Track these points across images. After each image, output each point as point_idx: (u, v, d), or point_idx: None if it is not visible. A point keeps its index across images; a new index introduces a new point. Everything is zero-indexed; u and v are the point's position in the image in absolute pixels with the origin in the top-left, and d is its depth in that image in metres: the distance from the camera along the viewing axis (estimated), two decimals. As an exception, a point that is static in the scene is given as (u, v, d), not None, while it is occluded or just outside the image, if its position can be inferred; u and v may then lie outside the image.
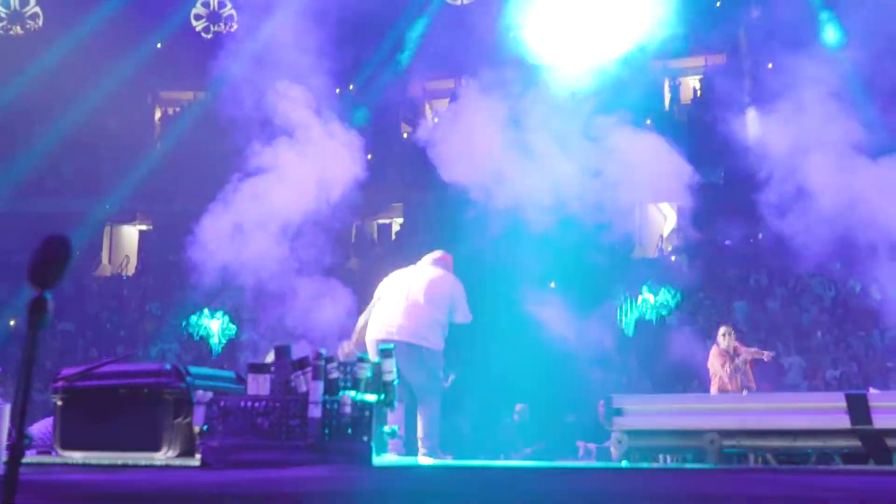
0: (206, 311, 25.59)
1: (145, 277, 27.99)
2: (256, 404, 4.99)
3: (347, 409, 4.88)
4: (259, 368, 5.10)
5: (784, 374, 21.34)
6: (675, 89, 32.21)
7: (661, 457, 7.43)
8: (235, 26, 28.69)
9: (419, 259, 10.20)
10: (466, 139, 17.12)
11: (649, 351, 23.03)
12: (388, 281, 9.67)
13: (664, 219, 31.76)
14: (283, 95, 14.07)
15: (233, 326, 24.91)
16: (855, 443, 6.24)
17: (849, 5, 23.29)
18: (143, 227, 30.10)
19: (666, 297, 25.29)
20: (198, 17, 30.06)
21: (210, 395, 5.12)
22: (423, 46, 26.99)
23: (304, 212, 14.57)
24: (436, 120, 27.64)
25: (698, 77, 31.84)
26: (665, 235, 30.77)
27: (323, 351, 5.13)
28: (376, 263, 28.03)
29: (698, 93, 31.57)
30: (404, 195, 27.96)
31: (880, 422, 6.08)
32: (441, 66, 27.60)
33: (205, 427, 5.02)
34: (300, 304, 14.17)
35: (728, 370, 12.63)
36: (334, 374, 5.03)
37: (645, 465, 6.58)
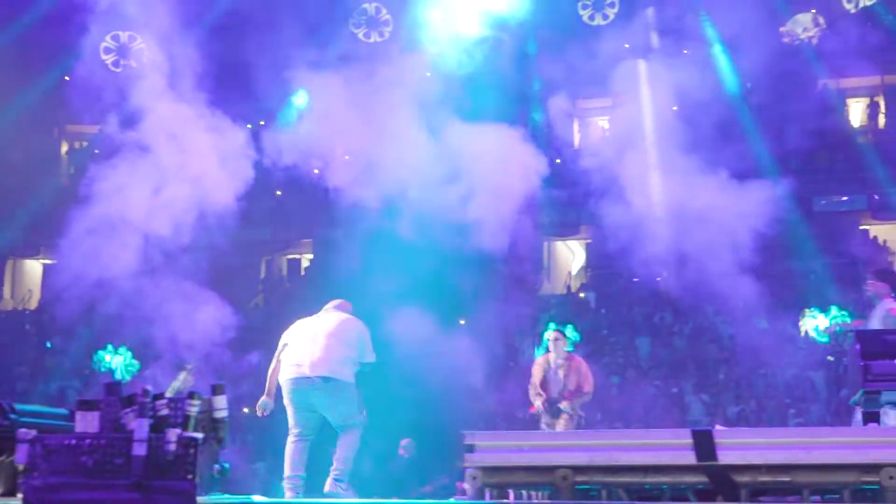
0: (109, 346, 25.19)
1: (47, 312, 27.50)
2: (82, 442, 4.89)
3: (172, 447, 4.81)
4: (88, 405, 5.00)
5: (687, 410, 21.59)
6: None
7: (524, 493, 7.42)
8: (145, 60, 28.31)
9: (327, 297, 10.41)
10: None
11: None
12: (295, 328, 9.89)
13: (573, 255, 31.98)
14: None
15: (136, 362, 24.55)
16: (703, 479, 6.27)
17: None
18: (47, 261, 29.62)
19: (571, 333, 25.41)
20: (107, 51, 29.75)
21: (34, 432, 5.01)
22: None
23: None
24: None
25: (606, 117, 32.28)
26: (573, 272, 30.99)
27: (149, 388, 5.06)
28: (286, 299, 27.89)
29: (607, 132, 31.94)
30: (313, 230, 27.85)
31: (725, 458, 6.12)
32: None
33: (26, 466, 4.90)
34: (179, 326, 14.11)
35: (538, 379, 12.91)
36: (163, 411, 4.96)
37: (496, 502, 6.57)
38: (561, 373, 12.93)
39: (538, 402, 12.90)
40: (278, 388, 9.72)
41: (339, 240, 26.01)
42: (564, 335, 13.55)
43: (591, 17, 31.96)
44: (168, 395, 5.10)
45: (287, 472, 9.28)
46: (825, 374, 21.60)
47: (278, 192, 27.35)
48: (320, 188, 26.45)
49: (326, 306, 10.15)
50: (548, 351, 13.39)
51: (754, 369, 23.06)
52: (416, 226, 23.69)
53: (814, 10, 32.04)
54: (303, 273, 29.35)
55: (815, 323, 24.41)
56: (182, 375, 10.56)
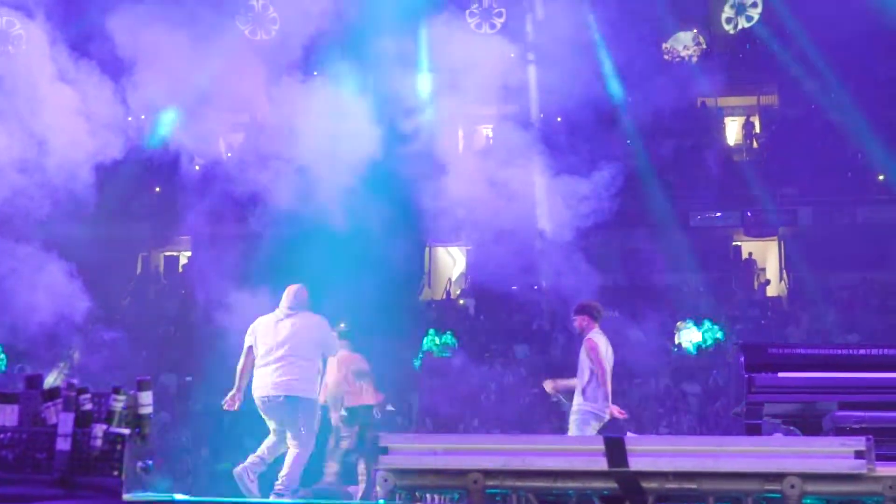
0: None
1: None
2: (1, 436, 4.78)
3: (98, 443, 4.74)
4: (6, 398, 4.90)
5: (564, 418, 21.88)
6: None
7: (429, 496, 7.46)
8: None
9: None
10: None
11: (433, 391, 23.28)
12: (257, 332, 10.46)
13: (453, 262, 32.17)
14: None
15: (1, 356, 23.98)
16: (612, 484, 6.42)
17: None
18: None
19: (448, 339, 25.61)
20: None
21: (-50, 425, 4.87)
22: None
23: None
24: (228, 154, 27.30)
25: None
26: (454, 279, 31.17)
27: (74, 381, 4.97)
28: (160, 296, 27.46)
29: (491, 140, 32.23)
30: (192, 227, 27.44)
31: (636, 464, 6.27)
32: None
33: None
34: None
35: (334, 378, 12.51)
36: (87, 406, 4.88)
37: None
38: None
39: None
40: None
41: (220, 237, 25.75)
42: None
43: (479, 26, 32.24)
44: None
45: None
46: (700, 387, 22.16)
47: (157, 189, 26.93)
48: (202, 183, 26.19)
49: (283, 300, 10.52)
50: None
51: (628, 379, 23.49)
52: (300, 225, 23.61)
53: (695, 30, 32.88)
54: (180, 270, 28.94)
55: (688, 335, 25.03)
56: (56, 373, 10.61)
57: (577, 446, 6.57)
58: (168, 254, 29.79)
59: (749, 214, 30.06)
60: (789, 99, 31.28)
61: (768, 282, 29.44)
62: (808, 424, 8.87)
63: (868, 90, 28.30)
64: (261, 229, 23.42)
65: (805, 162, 29.30)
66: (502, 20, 32.23)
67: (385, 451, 6.47)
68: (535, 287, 28.52)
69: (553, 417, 21.65)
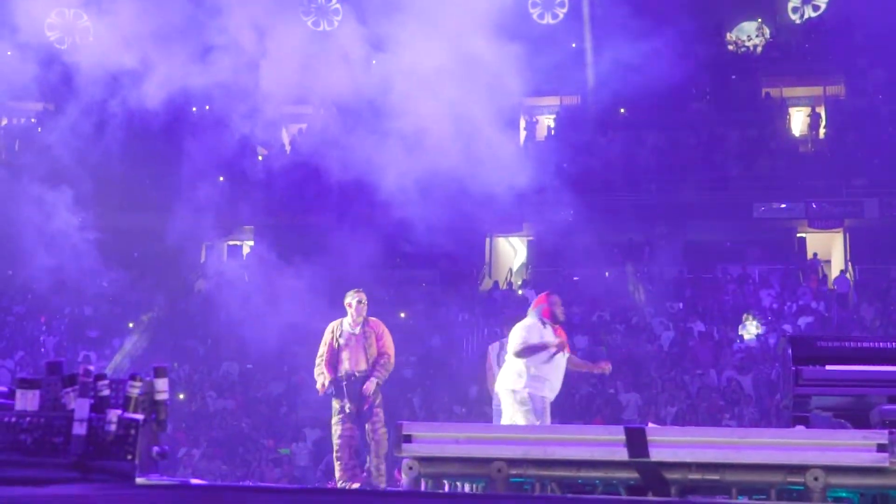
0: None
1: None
2: (21, 420, 4.90)
3: (113, 428, 4.84)
4: (29, 384, 5.02)
5: (622, 410, 21.81)
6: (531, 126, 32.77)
7: (457, 485, 7.50)
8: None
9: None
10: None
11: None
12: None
13: (514, 252, 32.18)
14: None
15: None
16: (634, 475, 6.40)
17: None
18: None
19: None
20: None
21: (-28, 410, 5.01)
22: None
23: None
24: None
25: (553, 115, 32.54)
26: (514, 269, 31.18)
27: (92, 368, 5.07)
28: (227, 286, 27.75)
29: (552, 130, 32.21)
30: (255, 218, 27.78)
31: (657, 455, 6.25)
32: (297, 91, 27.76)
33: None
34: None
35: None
36: (104, 392, 4.98)
37: (436, 491, 6.65)
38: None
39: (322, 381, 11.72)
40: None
41: (282, 228, 26.02)
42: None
43: (541, 16, 32.18)
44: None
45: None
46: (757, 378, 21.93)
47: (221, 178, 27.22)
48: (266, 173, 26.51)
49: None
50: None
51: (689, 370, 23.35)
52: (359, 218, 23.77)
53: (759, 20, 32.52)
54: (244, 259, 29.28)
55: (752, 328, 24.77)
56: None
57: (597, 436, 6.56)
58: (232, 243, 30.19)
59: (814, 206, 29.68)
60: (856, 89, 30.82)
61: (838, 274, 29.06)
62: (857, 418, 8.76)
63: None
64: (321, 219, 23.66)
65: (871, 153, 28.88)
66: (565, 10, 32.19)
67: (408, 438, 6.52)
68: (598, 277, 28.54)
69: (608, 409, 21.62)
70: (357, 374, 11.40)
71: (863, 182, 29.62)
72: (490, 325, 25.83)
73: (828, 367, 8.70)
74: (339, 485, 11.18)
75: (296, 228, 26.72)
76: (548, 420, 10.54)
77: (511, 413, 10.48)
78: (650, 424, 8.60)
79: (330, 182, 21.74)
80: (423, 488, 6.69)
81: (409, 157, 18.61)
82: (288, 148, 29.83)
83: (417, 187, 21.93)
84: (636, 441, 6.25)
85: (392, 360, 11.64)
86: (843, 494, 6.90)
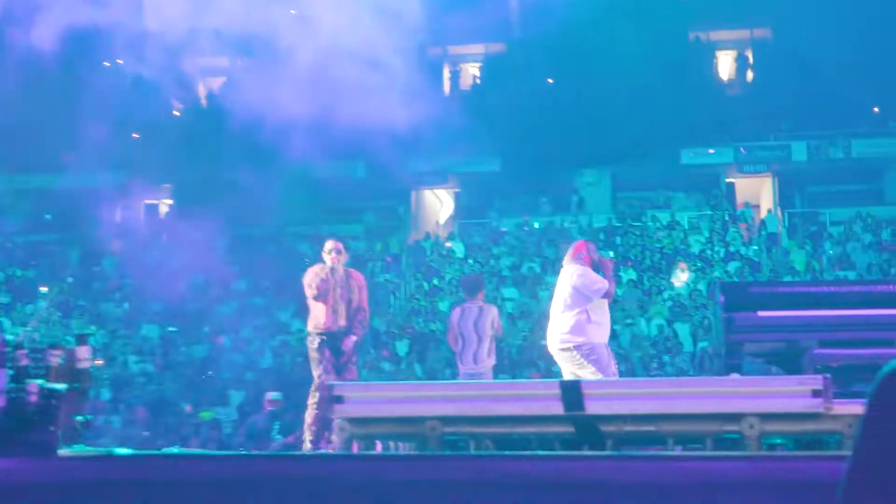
0: None
1: None
2: (-59, 394, 4.82)
3: (33, 398, 4.78)
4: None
5: (554, 363, 22.01)
6: (455, 75, 32.69)
7: (391, 444, 7.54)
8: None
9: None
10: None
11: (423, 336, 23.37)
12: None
13: (440, 205, 32.20)
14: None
15: None
16: (570, 429, 6.47)
17: None
18: None
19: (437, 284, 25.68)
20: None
21: None
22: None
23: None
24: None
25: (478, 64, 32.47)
26: (441, 222, 31.21)
27: (10, 337, 4.99)
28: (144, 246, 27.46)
29: (477, 79, 32.15)
30: (172, 175, 27.46)
31: (592, 408, 6.32)
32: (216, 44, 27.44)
33: None
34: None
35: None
36: (23, 362, 4.91)
37: (368, 452, 6.67)
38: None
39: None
40: None
41: (199, 186, 25.76)
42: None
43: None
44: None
45: None
46: (690, 327, 22.21)
47: (135, 135, 26.87)
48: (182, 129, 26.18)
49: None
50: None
51: (619, 320, 23.57)
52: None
53: (686, -38, 32.65)
54: (161, 218, 28.99)
55: (681, 276, 25.05)
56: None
57: (532, 391, 6.63)
58: (148, 202, 29.84)
59: (742, 151, 30.05)
60: (783, 32, 31.11)
61: (762, 220, 29.49)
62: (789, 363, 8.91)
63: (862, 21, 28.17)
64: (240, 176, 23.46)
65: (799, 96, 29.24)
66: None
67: (340, 399, 6.52)
68: (525, 228, 28.69)
69: (540, 362, 21.80)
70: (336, 330, 10.82)
71: (791, 125, 30.04)
72: (417, 279, 25.89)
73: (759, 314, 8.83)
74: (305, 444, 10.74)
75: (213, 185, 26.44)
76: (615, 369, 10.19)
77: (574, 371, 9.98)
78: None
79: (247, 137, 21.51)
80: (355, 449, 6.70)
81: (329, 110, 18.46)
82: (204, 102, 29.47)
83: (338, 140, 21.81)
84: (572, 395, 6.32)
85: (368, 316, 11.28)
86: (779, 441, 7.05)
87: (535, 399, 6.47)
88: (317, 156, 20.97)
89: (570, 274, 10.16)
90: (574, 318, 9.95)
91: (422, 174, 29.36)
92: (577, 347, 9.93)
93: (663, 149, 28.95)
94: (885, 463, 2.43)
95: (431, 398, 6.62)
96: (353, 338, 10.88)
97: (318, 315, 10.83)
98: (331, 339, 10.74)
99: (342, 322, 10.83)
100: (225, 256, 21.15)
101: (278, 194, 22.86)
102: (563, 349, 10.02)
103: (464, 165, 29.71)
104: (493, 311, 12.53)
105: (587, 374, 9.75)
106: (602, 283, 10.02)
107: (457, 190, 31.68)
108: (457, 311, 12.59)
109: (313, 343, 10.79)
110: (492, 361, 12.57)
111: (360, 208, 28.46)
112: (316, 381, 10.56)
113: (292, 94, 17.02)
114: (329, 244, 11.05)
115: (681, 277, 24.89)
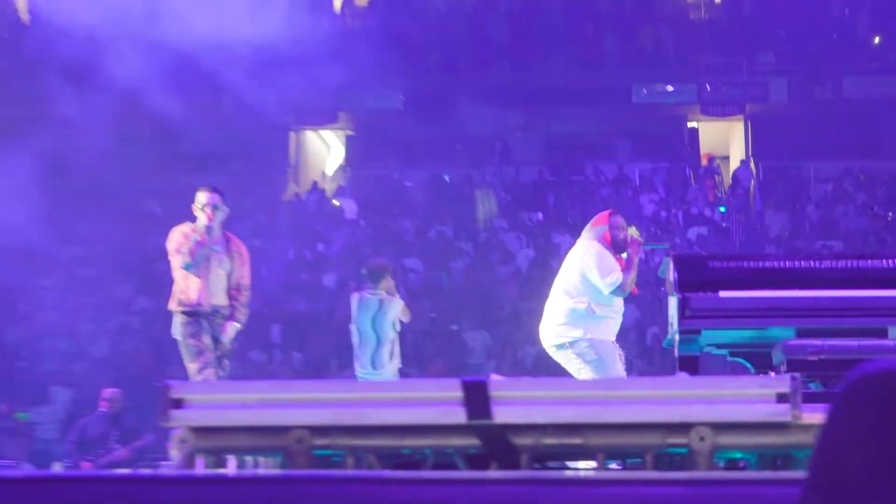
0: None
1: None
2: None
3: None
4: None
5: (468, 352, 22.03)
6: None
7: (247, 460, 7.44)
8: None
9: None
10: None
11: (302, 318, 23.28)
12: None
13: (327, 150, 32.08)
14: None
15: None
16: (475, 441, 6.42)
17: None
18: None
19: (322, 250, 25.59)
20: None
21: None
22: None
23: None
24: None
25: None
26: (328, 172, 31.09)
27: None
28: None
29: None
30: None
31: (502, 415, 6.26)
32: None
33: None
34: None
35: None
36: None
37: (212, 471, 6.56)
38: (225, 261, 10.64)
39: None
40: None
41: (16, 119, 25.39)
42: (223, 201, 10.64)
43: None
44: None
45: None
46: (640, 308, 22.38)
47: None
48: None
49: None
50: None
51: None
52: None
53: None
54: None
55: (628, 243, 25.20)
56: None
57: (427, 394, 6.55)
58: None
59: (708, 88, 30.28)
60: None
61: (731, 175, 29.78)
62: (759, 357, 8.96)
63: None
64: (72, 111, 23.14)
65: (778, 22, 29.50)
66: None
67: (179, 404, 6.40)
68: (436, 183, 28.66)
69: (453, 352, 21.84)
70: (210, 310, 10.46)
71: (768, 58, 30.31)
72: (297, 245, 25.74)
73: (722, 294, 8.84)
74: None
75: (31, 120, 26.00)
76: (622, 370, 10.17)
77: (575, 372, 10.04)
78: (493, 376, 8.59)
79: (75, 62, 21.17)
80: (200, 468, 6.60)
81: (189, 31, 18.26)
82: (26, 18, 29.03)
83: (195, 66, 21.55)
84: (476, 398, 6.25)
85: (248, 296, 10.81)
86: (739, 455, 7.07)
87: (430, 403, 6.39)
88: (166, 86, 20.71)
89: (581, 253, 10.10)
90: (572, 308, 9.97)
91: (304, 111, 29.16)
92: (573, 344, 9.94)
93: (609, 85, 29.05)
94: (840, 484, 2.43)
95: (298, 401, 6.52)
96: (235, 325, 10.61)
97: (188, 290, 10.43)
98: (204, 323, 10.43)
99: (219, 300, 10.52)
100: (47, 213, 20.79)
101: (117, 136, 22.54)
102: (557, 346, 10.03)
103: (358, 101, 29.57)
104: (396, 307, 12.61)
105: (586, 377, 9.77)
106: (616, 275, 9.94)
107: (349, 132, 31.54)
108: (355, 298, 12.75)
109: (184, 328, 10.41)
110: (395, 365, 12.70)
111: (223, 154, 28.13)
112: (194, 377, 10.25)
113: (127, 8, 16.82)
114: (203, 196, 10.56)
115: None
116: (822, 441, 2.47)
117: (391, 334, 12.55)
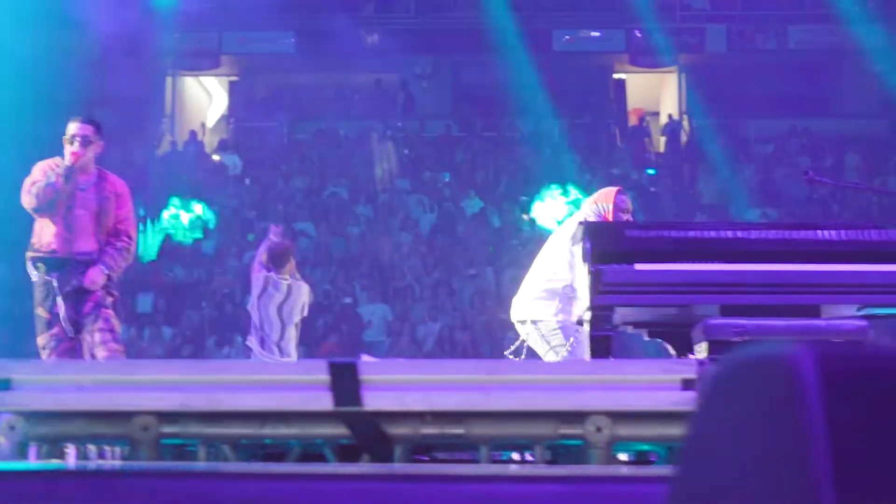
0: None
1: None
2: None
3: None
4: None
5: (364, 327, 22.05)
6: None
7: (89, 449, 7.37)
8: None
9: None
10: None
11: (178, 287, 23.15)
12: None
13: (209, 99, 31.89)
14: None
15: None
16: (343, 430, 6.39)
17: None
18: None
19: (202, 213, 25.45)
20: None
21: None
22: None
23: None
24: None
25: None
26: (209, 123, 30.91)
27: None
28: None
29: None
30: None
31: (373, 401, 6.23)
32: None
33: None
34: None
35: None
36: None
37: (48, 464, 6.50)
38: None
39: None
40: None
41: None
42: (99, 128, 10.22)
43: None
44: None
45: None
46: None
47: None
48: None
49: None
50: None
51: (459, 269, 23.74)
52: None
53: None
54: None
55: (547, 206, 25.30)
56: None
57: (290, 377, 6.52)
58: None
59: (637, 34, 30.37)
60: None
61: (661, 132, 29.95)
62: (681, 337, 8.99)
63: None
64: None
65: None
66: None
67: (6, 385, 6.31)
68: (331, 137, 28.59)
69: (345, 327, 21.83)
70: (78, 258, 9.91)
71: (705, 3, 30.47)
72: (172, 205, 25.57)
73: (638, 267, 8.83)
74: None
75: None
76: (587, 355, 10.22)
77: (542, 353, 10.10)
78: (364, 357, 8.57)
79: None
80: (33, 458, 6.54)
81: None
82: None
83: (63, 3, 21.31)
84: (344, 382, 6.22)
85: (134, 246, 10.26)
86: (646, 447, 7.10)
87: (292, 387, 6.36)
88: (25, 24, 20.42)
89: (572, 229, 10.00)
90: (548, 285, 9.98)
91: (182, 54, 28.97)
92: (536, 323, 9.99)
93: (526, 30, 29.06)
94: (705, 482, 2.44)
95: (142, 384, 6.46)
96: (101, 269, 9.89)
97: (41, 232, 9.95)
98: (62, 273, 9.87)
99: (82, 246, 9.95)
100: None
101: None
102: (520, 321, 10.08)
103: (243, 43, 29.40)
104: (303, 293, 12.77)
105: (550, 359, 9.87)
106: None
107: (233, 78, 31.38)
108: (259, 279, 12.85)
109: (36, 290, 9.90)
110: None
111: (89, 100, 27.84)
112: (43, 354, 9.83)
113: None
114: (73, 126, 9.97)
115: (545, 211, 25.16)
116: (689, 433, 2.46)
117: (297, 318, 12.75)
